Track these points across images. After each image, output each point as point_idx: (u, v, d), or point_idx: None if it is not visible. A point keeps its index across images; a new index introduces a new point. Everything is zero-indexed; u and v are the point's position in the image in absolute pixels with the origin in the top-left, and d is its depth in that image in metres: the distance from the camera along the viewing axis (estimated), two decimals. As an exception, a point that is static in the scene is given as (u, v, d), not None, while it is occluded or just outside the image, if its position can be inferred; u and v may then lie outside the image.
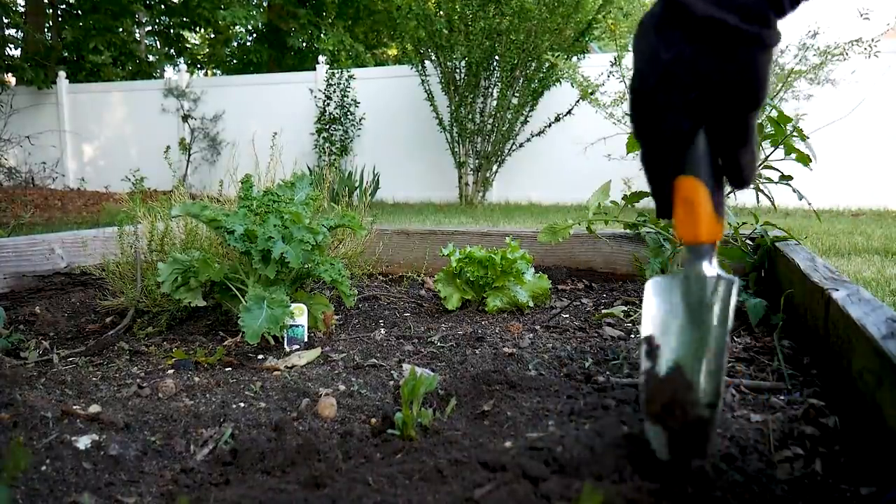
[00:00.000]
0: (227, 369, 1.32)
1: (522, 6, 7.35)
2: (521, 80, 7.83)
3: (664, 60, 0.64)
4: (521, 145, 8.16)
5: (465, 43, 7.71)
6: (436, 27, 7.83)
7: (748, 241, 1.92)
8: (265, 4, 15.45)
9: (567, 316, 1.72)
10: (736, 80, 0.62)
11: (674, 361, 0.72)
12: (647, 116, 0.67)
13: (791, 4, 0.64)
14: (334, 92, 9.30)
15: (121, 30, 15.32)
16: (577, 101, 7.58)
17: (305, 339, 1.48)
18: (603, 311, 1.69)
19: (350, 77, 9.30)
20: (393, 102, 9.34)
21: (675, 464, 0.69)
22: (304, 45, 15.60)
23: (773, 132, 1.47)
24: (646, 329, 0.76)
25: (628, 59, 6.90)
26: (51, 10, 14.43)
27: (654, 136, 0.68)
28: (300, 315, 1.46)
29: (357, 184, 7.65)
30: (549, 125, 7.98)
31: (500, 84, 7.85)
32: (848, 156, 7.14)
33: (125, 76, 15.08)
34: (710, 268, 0.72)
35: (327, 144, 9.17)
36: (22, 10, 13.53)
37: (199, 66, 18.87)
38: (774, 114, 1.45)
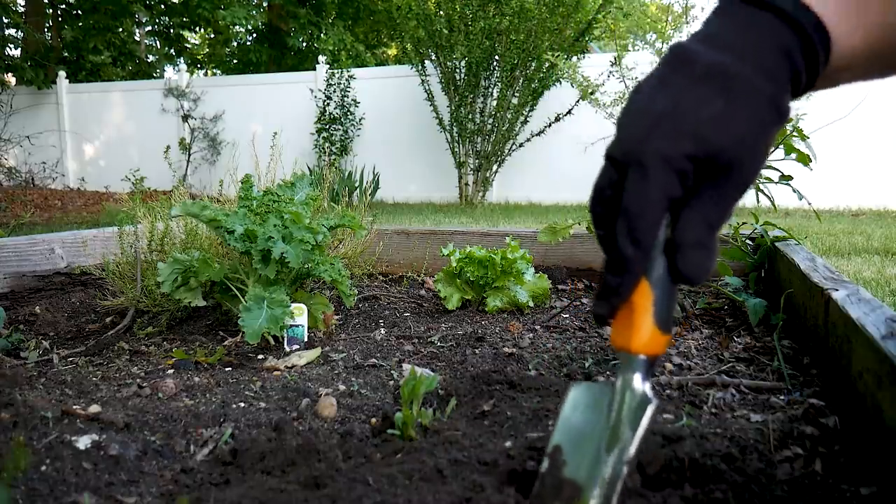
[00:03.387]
0: (227, 369, 1.32)
1: (522, 6, 7.35)
2: (521, 80, 7.83)
3: (658, 109, 0.54)
4: (521, 145, 8.16)
5: (465, 43, 7.71)
6: (436, 27, 7.83)
7: (748, 241, 1.92)
8: (265, 4, 15.44)
9: (567, 316, 1.72)
10: (738, 146, 0.53)
11: (571, 474, 0.64)
12: (631, 177, 0.55)
13: (807, 87, 0.57)
14: (334, 92, 9.30)
15: (121, 30, 15.33)
16: (577, 101, 7.59)
17: (305, 339, 1.48)
18: (603, 311, 1.68)
19: (350, 77, 9.30)
20: (393, 102, 9.34)
21: None
22: (304, 45, 15.60)
23: (773, 132, 1.47)
24: (557, 434, 0.67)
25: (628, 59, 6.92)
26: (51, 10, 14.43)
27: (634, 203, 0.55)
28: (300, 315, 1.46)
29: (357, 184, 7.65)
30: (549, 125, 7.98)
31: (500, 84, 7.86)
32: (848, 156, 7.14)
33: (125, 76, 15.09)
34: (640, 384, 0.62)
35: (327, 144, 9.17)
36: (22, 10, 13.53)
37: (199, 66, 18.87)
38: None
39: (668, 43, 6.57)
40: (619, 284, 0.58)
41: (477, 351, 1.41)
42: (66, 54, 13.99)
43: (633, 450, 0.60)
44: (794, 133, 1.46)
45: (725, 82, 0.52)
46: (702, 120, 0.52)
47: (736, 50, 0.53)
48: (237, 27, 16.73)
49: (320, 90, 9.42)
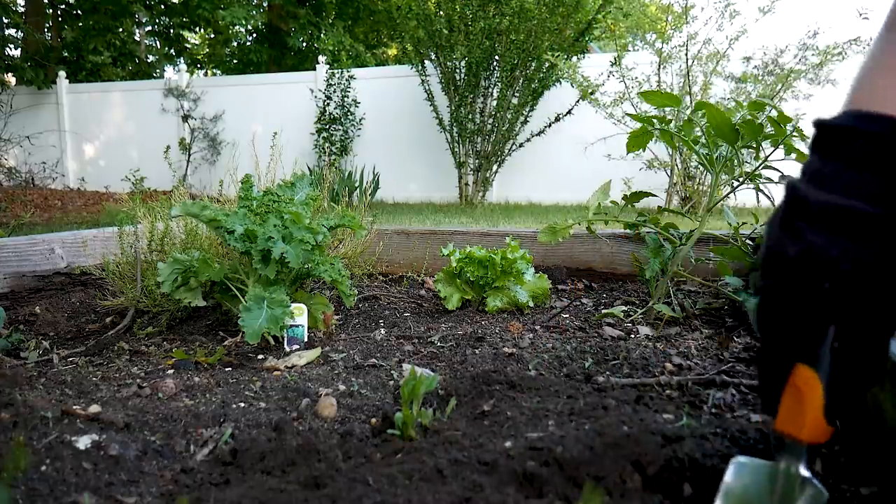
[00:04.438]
0: (227, 369, 1.32)
1: (522, 6, 7.34)
2: (521, 80, 7.82)
3: (791, 254, 0.60)
4: (521, 145, 8.15)
5: (465, 43, 7.71)
6: (436, 27, 7.83)
7: (748, 242, 1.91)
8: (265, 4, 15.44)
9: (567, 316, 1.72)
10: (869, 269, 0.58)
11: None
12: (776, 310, 0.62)
13: None
14: (334, 92, 9.29)
15: (121, 30, 15.32)
16: (577, 101, 7.58)
17: (305, 339, 1.48)
18: (603, 311, 1.69)
19: (350, 77, 9.30)
20: (393, 102, 9.34)
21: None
22: (304, 45, 15.60)
23: (773, 132, 1.47)
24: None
25: (628, 59, 6.91)
26: (51, 10, 14.43)
27: (780, 329, 0.63)
28: (300, 315, 1.46)
29: (357, 184, 7.64)
30: (549, 125, 7.98)
31: (500, 84, 7.85)
32: (848, 156, 7.12)
33: (125, 76, 15.09)
34: (803, 470, 0.66)
35: (327, 144, 9.16)
36: (22, 10, 13.53)
37: (199, 66, 18.86)
38: (774, 114, 1.45)
39: (667, 43, 6.55)
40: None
41: (477, 351, 1.41)
42: (66, 54, 13.98)
43: None
44: (794, 133, 1.46)
45: (845, 224, 0.60)
46: (848, 245, 0.60)
47: (836, 183, 0.61)
48: (237, 27, 16.73)
49: (320, 90, 9.42)
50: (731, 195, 1.67)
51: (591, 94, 6.72)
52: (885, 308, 0.59)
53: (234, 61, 17.98)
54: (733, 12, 6.22)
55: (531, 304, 1.79)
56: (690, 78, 6.33)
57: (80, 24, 14.70)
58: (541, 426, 0.94)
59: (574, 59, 7.62)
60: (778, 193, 1.80)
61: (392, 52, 16.49)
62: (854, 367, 0.61)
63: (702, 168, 6.05)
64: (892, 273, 0.58)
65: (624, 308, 1.73)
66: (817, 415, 0.62)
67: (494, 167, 8.28)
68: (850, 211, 0.59)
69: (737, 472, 0.69)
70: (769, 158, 1.54)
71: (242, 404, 1.10)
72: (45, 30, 13.77)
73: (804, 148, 1.48)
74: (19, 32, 13.35)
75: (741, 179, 1.60)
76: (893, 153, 0.59)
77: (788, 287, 0.61)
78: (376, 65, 15.35)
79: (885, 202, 0.58)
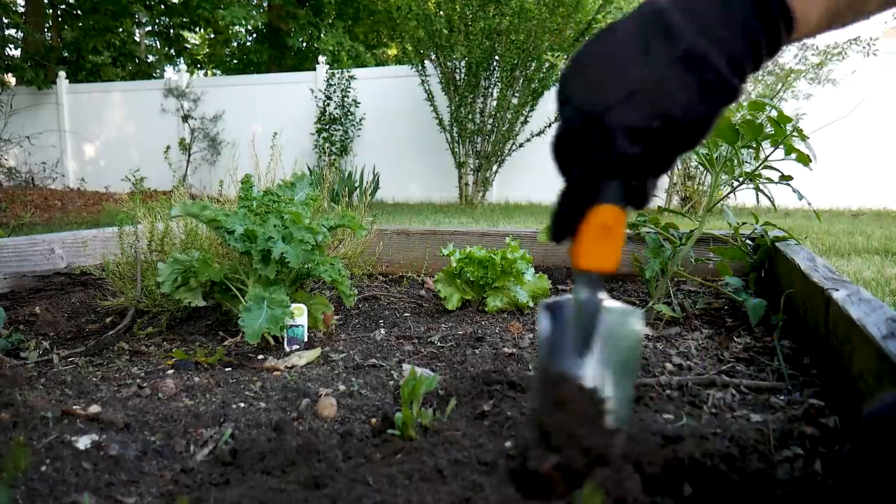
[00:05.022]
0: (227, 369, 1.32)
1: (522, 6, 7.34)
2: (521, 81, 7.82)
3: (638, 78, 0.57)
4: (521, 145, 8.15)
5: (465, 43, 7.71)
6: (436, 27, 7.83)
7: (748, 242, 1.92)
8: (265, 4, 15.44)
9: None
10: (699, 123, 0.58)
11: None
12: (592, 137, 0.59)
13: (756, 67, 0.60)
14: (334, 92, 9.29)
15: (121, 30, 15.32)
16: (577, 101, 7.58)
17: (305, 339, 1.48)
18: (603, 311, 1.68)
19: (350, 77, 9.30)
20: (393, 102, 9.34)
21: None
22: (304, 45, 15.60)
23: (773, 132, 1.47)
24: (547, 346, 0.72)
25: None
26: (51, 10, 14.43)
27: (593, 160, 0.61)
28: (300, 315, 1.46)
29: (357, 184, 7.64)
30: (549, 125, 7.98)
31: (500, 84, 7.85)
32: (848, 156, 7.13)
33: (125, 76, 15.09)
34: (605, 297, 0.70)
35: (327, 144, 9.16)
36: (22, 10, 13.53)
37: (199, 66, 18.87)
38: (774, 114, 1.45)
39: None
40: (569, 213, 0.66)
41: (477, 351, 1.41)
42: (66, 54, 13.98)
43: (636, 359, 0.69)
44: (794, 133, 1.46)
45: (704, 73, 0.56)
46: (676, 103, 0.56)
47: (713, 36, 0.56)
48: (237, 27, 16.73)
49: (320, 90, 9.42)
50: (731, 195, 1.67)
51: (591, 94, 6.72)
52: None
53: (234, 61, 17.99)
54: (733, 12, 6.21)
55: (531, 304, 1.79)
56: (690, 78, 6.33)
57: (80, 24, 14.70)
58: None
59: (574, 59, 7.62)
60: (778, 193, 1.80)
61: (392, 52, 16.49)
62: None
63: (702, 168, 6.05)
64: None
65: (624, 308, 1.73)
66: (620, 246, 0.67)
67: (494, 167, 8.28)
68: (716, 69, 0.58)
69: (544, 314, 0.72)
70: (769, 158, 1.54)
71: (242, 404, 1.10)
72: (45, 30, 13.77)
73: (804, 148, 1.48)
74: (19, 32, 13.34)
75: (741, 179, 1.60)
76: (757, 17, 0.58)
77: (619, 111, 0.58)
78: (376, 65, 15.35)
79: (741, 73, 0.58)
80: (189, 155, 10.14)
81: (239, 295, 1.50)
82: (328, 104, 9.30)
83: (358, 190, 7.36)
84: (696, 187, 6.56)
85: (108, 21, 14.40)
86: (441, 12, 7.90)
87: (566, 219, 0.66)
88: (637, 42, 0.57)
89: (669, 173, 6.73)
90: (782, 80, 6.17)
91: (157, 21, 16.34)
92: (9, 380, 1.15)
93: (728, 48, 0.56)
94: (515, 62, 7.61)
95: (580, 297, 0.69)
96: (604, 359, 0.69)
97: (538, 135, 8.01)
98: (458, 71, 7.97)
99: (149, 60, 16.54)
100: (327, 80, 9.35)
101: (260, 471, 0.84)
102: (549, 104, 7.99)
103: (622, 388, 0.68)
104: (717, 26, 0.56)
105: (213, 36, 18.34)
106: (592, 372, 0.69)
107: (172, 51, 17.05)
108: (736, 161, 1.55)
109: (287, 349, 1.44)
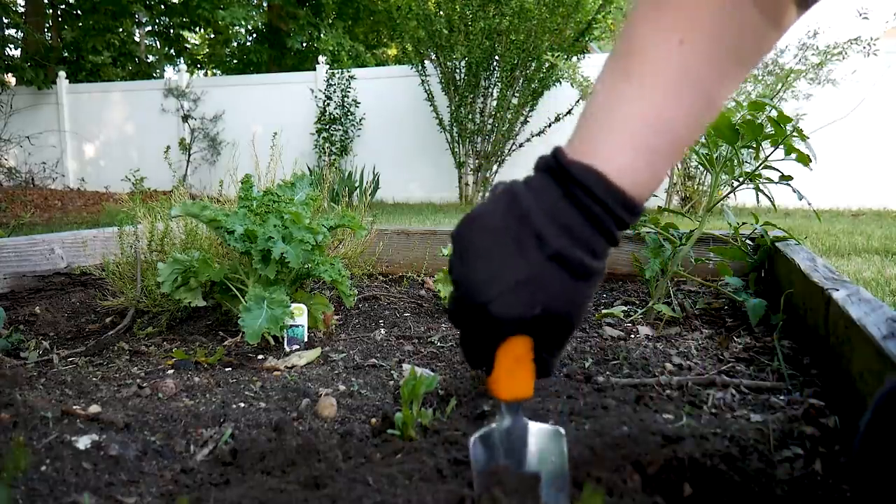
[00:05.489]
0: (227, 369, 1.32)
1: (522, 6, 7.34)
2: (521, 80, 7.83)
3: (515, 276, 0.63)
4: (520, 145, 8.16)
5: (465, 43, 7.71)
6: (436, 27, 7.83)
7: (748, 241, 1.92)
8: (265, 5, 15.45)
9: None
10: (575, 308, 0.66)
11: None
12: (477, 320, 0.66)
13: (613, 244, 0.67)
14: (334, 92, 9.29)
15: (121, 30, 15.32)
16: (577, 101, 7.59)
17: (305, 339, 1.48)
18: (603, 311, 1.69)
19: (350, 77, 9.30)
20: (393, 102, 9.34)
21: None
22: (304, 45, 15.60)
23: (773, 132, 1.47)
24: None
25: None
26: (51, 10, 14.43)
27: (485, 333, 0.67)
28: (300, 315, 1.46)
29: (357, 184, 7.65)
30: (549, 125, 7.98)
31: (500, 84, 7.85)
32: (848, 156, 7.14)
33: (125, 76, 15.09)
34: (526, 420, 0.73)
35: (327, 144, 9.16)
36: (22, 10, 13.53)
37: (199, 66, 18.87)
38: (774, 114, 1.44)
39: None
40: (475, 355, 0.71)
41: (477, 351, 1.41)
42: (66, 54, 13.98)
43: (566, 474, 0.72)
44: (794, 133, 1.46)
45: (571, 268, 0.64)
46: (551, 292, 0.64)
47: (572, 234, 0.64)
48: (237, 27, 16.73)
49: (320, 90, 9.42)
50: (731, 195, 1.67)
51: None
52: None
53: (234, 61, 17.99)
54: (733, 12, 6.20)
55: (531, 304, 1.79)
56: (690, 78, 6.33)
57: (80, 24, 14.70)
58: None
59: (574, 59, 7.63)
60: (778, 193, 1.80)
61: (392, 52, 16.49)
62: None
63: (702, 168, 6.05)
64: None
65: (624, 308, 1.73)
66: (532, 374, 0.70)
67: (494, 167, 8.28)
68: (581, 261, 0.66)
69: (476, 448, 0.73)
70: (769, 158, 1.54)
71: (242, 404, 1.10)
72: (45, 30, 13.77)
73: (804, 148, 1.48)
74: (19, 32, 13.35)
75: (741, 179, 1.60)
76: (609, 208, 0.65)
77: (500, 302, 0.65)
78: (376, 65, 15.36)
79: (603, 255, 0.67)
80: (189, 155, 10.14)
81: (239, 295, 1.50)
82: (328, 104, 9.30)
83: (358, 190, 7.36)
84: (696, 187, 6.57)
85: (108, 21, 14.41)
86: (441, 12, 7.90)
87: (475, 359, 0.71)
88: (511, 240, 0.64)
89: (669, 173, 6.74)
90: (782, 80, 6.17)
91: (157, 21, 16.34)
92: (9, 380, 1.15)
93: (585, 242, 0.64)
94: (515, 62, 7.62)
95: (506, 424, 0.73)
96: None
97: (538, 135, 8.01)
98: (458, 71, 7.98)
99: (149, 60, 16.55)
100: (327, 80, 9.35)
101: (260, 471, 0.84)
102: (549, 104, 7.99)
103: (557, 500, 0.70)
104: (571, 223, 0.63)
105: (213, 36, 18.35)
106: None
107: (172, 51, 17.05)
108: (736, 161, 1.55)
109: (287, 349, 1.44)
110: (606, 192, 0.63)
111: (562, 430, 0.73)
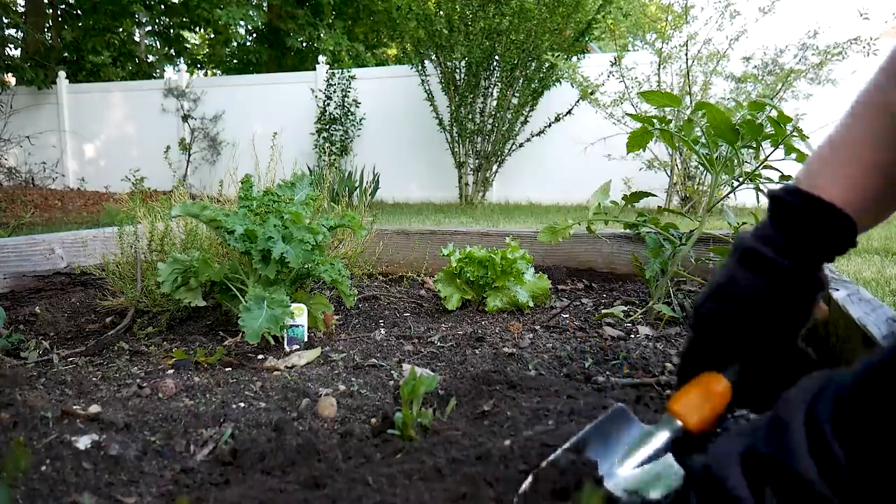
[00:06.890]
0: (227, 369, 1.32)
1: (522, 6, 7.34)
2: (521, 80, 7.82)
3: (722, 284, 0.79)
4: (521, 145, 8.15)
5: (465, 43, 7.71)
6: (436, 27, 7.83)
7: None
8: (264, 5, 15.44)
9: (567, 316, 1.72)
10: (759, 298, 0.75)
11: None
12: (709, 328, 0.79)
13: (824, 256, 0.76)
14: (335, 92, 9.29)
15: (121, 30, 15.32)
16: (577, 101, 7.58)
17: (305, 339, 1.48)
18: (603, 311, 1.69)
19: (350, 77, 9.30)
20: (393, 102, 9.34)
21: None
22: (304, 45, 15.60)
23: (773, 132, 1.47)
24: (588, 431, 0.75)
25: (628, 59, 6.91)
26: (51, 10, 14.42)
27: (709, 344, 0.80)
28: (300, 315, 1.46)
29: (357, 184, 7.64)
30: (549, 125, 7.98)
31: (500, 84, 7.85)
32: (848, 156, 7.12)
33: (125, 76, 15.08)
34: (669, 450, 0.74)
35: (327, 144, 9.16)
36: (22, 10, 13.52)
37: (199, 66, 18.87)
38: (774, 114, 1.44)
39: (667, 43, 6.55)
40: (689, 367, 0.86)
41: (477, 351, 1.41)
42: (66, 54, 13.98)
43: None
44: (794, 133, 1.46)
45: (755, 262, 0.77)
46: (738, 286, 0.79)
47: (760, 235, 0.78)
48: (236, 27, 16.73)
49: (320, 90, 9.42)
50: (731, 195, 1.67)
51: (591, 94, 6.72)
52: (777, 331, 0.77)
53: (234, 61, 17.99)
54: (733, 12, 6.22)
55: (531, 304, 1.79)
56: (690, 78, 6.33)
57: (80, 24, 14.70)
58: (540, 426, 0.94)
59: (574, 59, 7.62)
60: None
61: (392, 52, 16.49)
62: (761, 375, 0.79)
63: (702, 168, 6.05)
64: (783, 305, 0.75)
65: (624, 308, 1.73)
66: (714, 414, 0.75)
67: (494, 167, 8.28)
68: (758, 254, 0.77)
69: (614, 415, 0.77)
70: (769, 158, 1.54)
71: (242, 404, 1.10)
72: (45, 30, 13.77)
73: (804, 148, 1.48)
74: (19, 32, 13.34)
75: (741, 179, 1.60)
76: (797, 218, 0.75)
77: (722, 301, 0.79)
78: (376, 65, 15.35)
79: (784, 251, 0.75)
80: (189, 155, 10.13)
81: (239, 295, 1.50)
82: (328, 104, 9.30)
83: (358, 190, 7.35)
84: (696, 187, 6.56)
85: (108, 21, 14.41)
86: (441, 12, 7.90)
87: (686, 370, 0.83)
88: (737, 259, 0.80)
89: (669, 173, 6.75)
90: (782, 80, 6.17)
91: (157, 21, 16.34)
92: (9, 380, 1.15)
93: (773, 242, 0.75)
94: (515, 62, 7.61)
95: (655, 431, 0.75)
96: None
97: (538, 135, 8.00)
98: (458, 71, 7.97)
99: (149, 60, 16.54)
100: (327, 80, 9.35)
101: (260, 471, 0.84)
102: (549, 104, 7.99)
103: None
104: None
105: (212, 36, 18.34)
106: (619, 478, 0.72)
107: (172, 51, 17.04)
108: (736, 161, 1.55)
109: (287, 349, 1.44)
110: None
111: (678, 469, 0.70)
